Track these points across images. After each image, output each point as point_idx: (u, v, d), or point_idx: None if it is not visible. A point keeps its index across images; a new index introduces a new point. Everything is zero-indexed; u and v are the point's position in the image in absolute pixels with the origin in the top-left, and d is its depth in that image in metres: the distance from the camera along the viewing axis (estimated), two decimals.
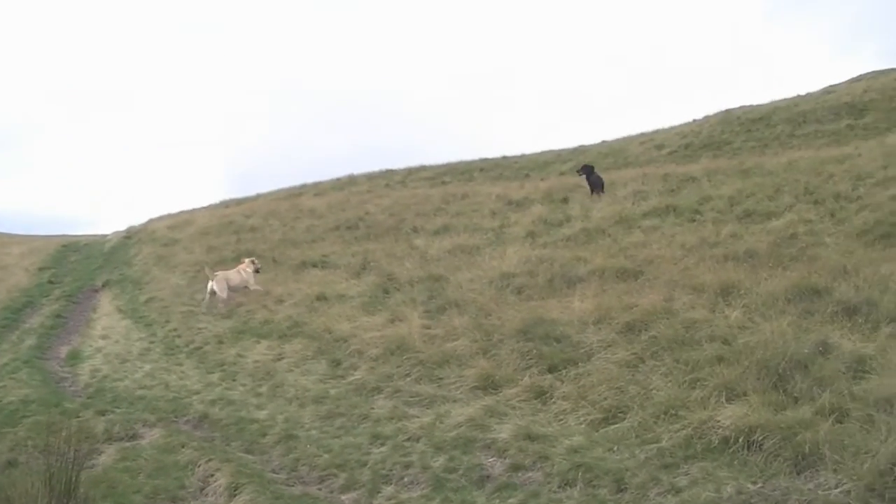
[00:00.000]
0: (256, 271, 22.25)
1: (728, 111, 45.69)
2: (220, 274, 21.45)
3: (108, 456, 11.33)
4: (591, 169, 27.11)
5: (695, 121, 46.71)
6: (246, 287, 21.50)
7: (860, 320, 11.23)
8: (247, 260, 22.58)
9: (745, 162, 26.63)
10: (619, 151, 42.93)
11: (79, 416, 12.93)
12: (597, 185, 26.04)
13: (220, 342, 17.38)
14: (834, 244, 15.80)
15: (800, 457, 8.07)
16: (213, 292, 21.10)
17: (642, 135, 47.27)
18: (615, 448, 9.19)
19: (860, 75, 49.79)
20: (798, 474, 7.93)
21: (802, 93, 46.80)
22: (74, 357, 17.98)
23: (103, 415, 13.13)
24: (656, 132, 46.70)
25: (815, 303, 12.16)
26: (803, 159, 24.71)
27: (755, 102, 46.33)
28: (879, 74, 47.09)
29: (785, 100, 45.32)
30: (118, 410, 13.38)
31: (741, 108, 45.70)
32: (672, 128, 46.66)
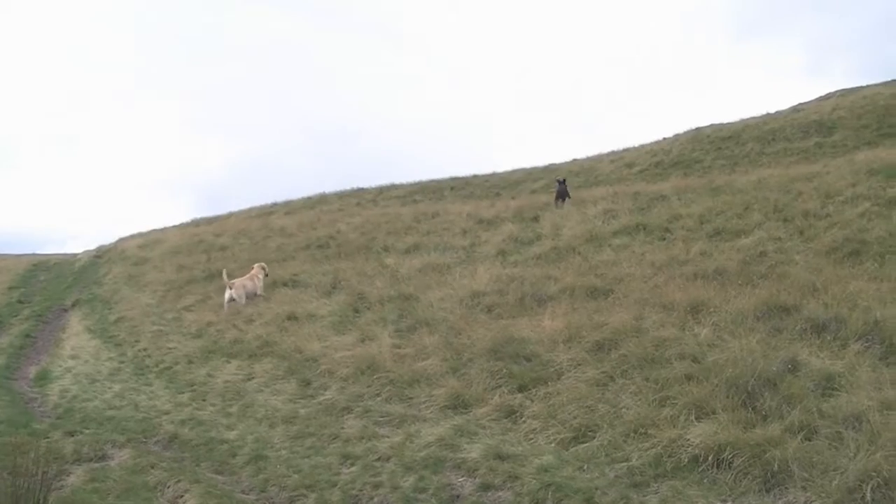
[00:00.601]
0: (266, 276, 22.61)
1: (698, 129, 45.83)
2: (238, 282, 21.71)
3: (76, 477, 11.25)
4: (563, 181, 28.63)
5: (665, 139, 46.80)
6: (256, 294, 21.72)
7: (829, 338, 11.31)
8: (257, 266, 22.79)
9: (714, 180, 26.67)
10: (590, 170, 42.98)
11: (47, 437, 12.84)
12: (561, 196, 27.47)
13: (190, 362, 17.32)
14: (803, 262, 15.86)
15: (769, 474, 8.11)
16: (231, 299, 21.33)
17: (613, 153, 47.35)
18: (585, 467, 9.20)
19: (829, 93, 50.05)
20: (767, 492, 7.98)
21: (772, 111, 47.02)
22: (43, 377, 17.89)
23: (72, 435, 13.04)
24: (626, 150, 46.79)
25: (783, 320, 12.23)
26: (773, 177, 24.77)
27: (725, 121, 46.55)
28: (848, 92, 47.36)
29: (755, 118, 45.48)
30: (87, 431, 13.29)
31: (711, 126, 45.85)
32: (642, 146, 46.75)
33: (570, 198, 27.70)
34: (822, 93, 51.67)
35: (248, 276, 22.05)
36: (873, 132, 35.93)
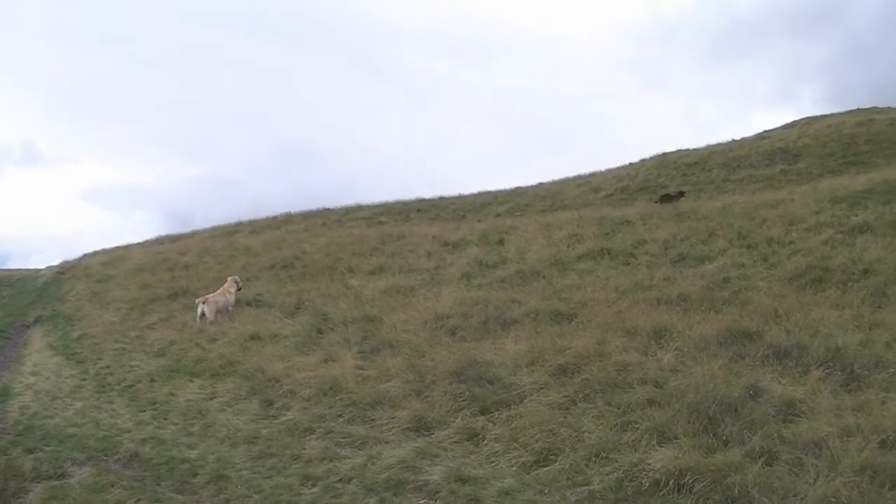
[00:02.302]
0: (239, 289, 22.52)
1: (664, 155, 46.01)
2: (211, 297, 21.61)
3: (35, 495, 11.11)
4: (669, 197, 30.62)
5: (631, 164, 46.95)
6: (228, 308, 21.63)
7: (790, 364, 11.41)
8: (230, 279, 22.66)
9: (679, 206, 26.81)
10: (556, 194, 43.03)
11: (7, 454, 12.68)
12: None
13: (153, 380, 17.15)
14: (766, 288, 15.95)
15: (729, 500, 8.15)
16: (203, 315, 21.21)
17: (579, 177, 47.44)
18: (546, 490, 9.20)
19: (794, 121, 50.41)
20: None
21: (738, 138, 47.29)
22: (4, 393, 17.68)
23: (32, 453, 12.87)
24: (593, 175, 46.89)
25: (746, 346, 12.30)
26: (737, 204, 24.92)
27: (691, 146, 46.79)
28: (813, 120, 47.71)
29: (720, 144, 45.72)
30: (47, 448, 13.15)
31: (677, 152, 46.06)
32: (608, 171, 46.88)
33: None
34: (789, 120, 52.08)
35: (220, 290, 21.98)
36: (838, 160, 36.23)
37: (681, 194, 30.49)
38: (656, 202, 30.35)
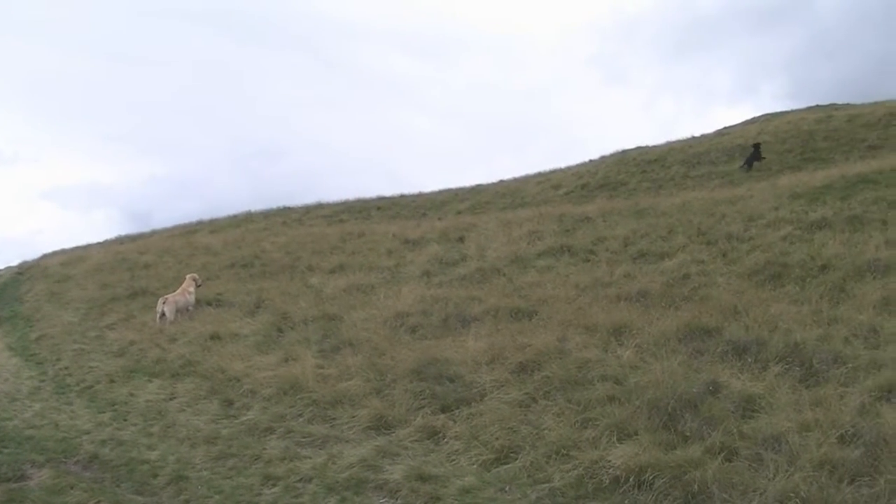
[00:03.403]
0: (198, 286, 22.44)
1: (624, 152, 46.18)
2: (170, 297, 21.46)
3: None
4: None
5: (591, 161, 47.07)
6: (188, 308, 21.52)
7: (749, 360, 11.45)
8: (188, 277, 22.50)
9: (639, 202, 26.87)
10: (516, 191, 43.06)
11: None
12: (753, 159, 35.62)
13: (112, 381, 17.02)
14: (725, 284, 16.02)
15: (689, 496, 8.16)
16: (163, 314, 21.08)
17: (539, 174, 47.48)
18: (507, 488, 9.20)
19: (754, 118, 50.70)
20: None
21: (697, 134, 47.55)
22: None
23: None
24: (553, 172, 46.94)
25: (705, 342, 12.36)
26: (697, 200, 25.01)
27: (651, 143, 46.98)
28: (773, 117, 48.01)
29: (680, 141, 45.96)
30: (5, 451, 12.99)
31: (637, 149, 46.24)
32: (569, 168, 46.94)
33: (760, 160, 35.47)
34: (750, 116, 52.37)
35: (179, 290, 21.85)
36: (797, 157, 36.46)
37: (756, 147, 36.14)
38: (742, 167, 35.72)
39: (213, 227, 44.54)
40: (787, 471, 8.07)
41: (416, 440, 11.02)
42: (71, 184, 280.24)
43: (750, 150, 36.67)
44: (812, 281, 15.35)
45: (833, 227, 18.57)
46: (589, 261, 20.25)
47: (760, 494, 7.83)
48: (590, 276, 18.24)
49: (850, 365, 10.84)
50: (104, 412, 15.00)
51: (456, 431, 10.89)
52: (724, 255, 18.28)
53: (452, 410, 11.60)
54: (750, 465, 8.47)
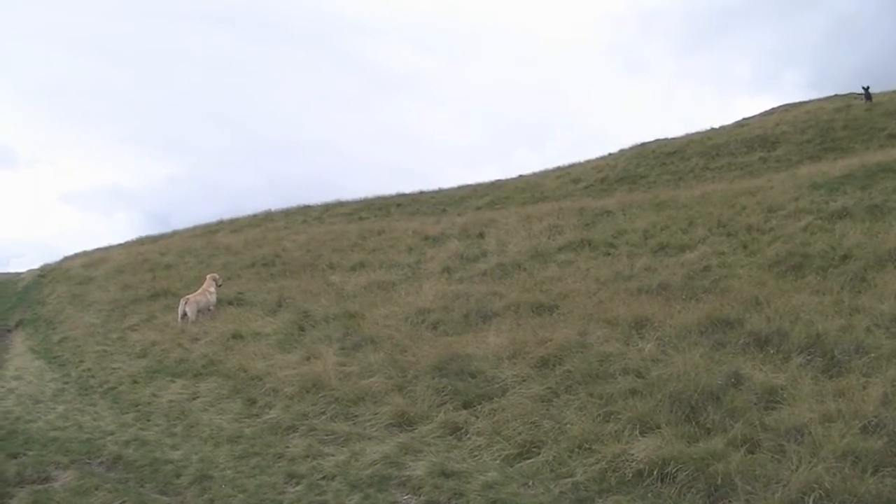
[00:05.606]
0: (219, 286, 22.53)
1: (643, 145, 46.08)
2: (192, 297, 21.57)
3: (19, 500, 11.03)
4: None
5: (610, 155, 47.00)
6: (210, 308, 21.59)
7: (771, 351, 11.42)
8: (208, 277, 22.60)
9: (659, 195, 26.82)
10: (535, 186, 43.01)
11: None
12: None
13: (135, 382, 17.08)
14: (746, 276, 15.98)
15: (713, 488, 8.14)
16: (185, 314, 21.21)
17: (558, 169, 47.43)
18: (530, 483, 9.19)
19: (772, 108, 50.56)
20: None
21: (716, 126, 47.39)
22: None
23: (15, 457, 12.77)
24: (572, 166, 46.86)
25: (727, 334, 12.32)
26: (716, 192, 24.95)
27: (670, 136, 46.85)
28: (791, 107, 47.85)
29: (699, 133, 45.83)
30: (30, 453, 13.05)
31: (656, 141, 46.13)
32: (588, 162, 46.87)
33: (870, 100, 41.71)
34: (768, 107, 52.22)
35: (200, 290, 21.92)
36: (816, 146, 36.38)
37: (866, 89, 42.59)
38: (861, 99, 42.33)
39: (234, 226, 44.57)
40: (809, 462, 8.05)
41: (438, 436, 11.03)
42: (91, 187, 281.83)
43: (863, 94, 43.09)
44: (833, 271, 15.30)
45: (854, 216, 18.52)
46: (609, 254, 20.24)
47: (784, 486, 7.81)
48: (610, 269, 18.23)
49: (873, 355, 10.79)
50: (127, 413, 15.05)
51: (478, 427, 10.89)
52: (744, 247, 18.25)
53: (474, 406, 11.61)
54: (773, 456, 8.45)
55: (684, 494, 8.23)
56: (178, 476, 11.43)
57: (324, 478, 10.42)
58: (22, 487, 11.55)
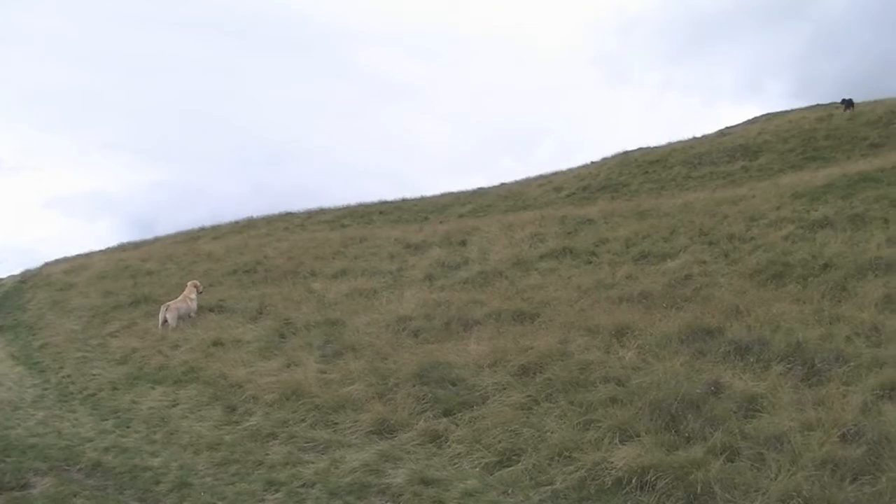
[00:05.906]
0: (200, 293, 22.41)
1: (626, 153, 46.33)
2: (172, 304, 21.48)
3: None
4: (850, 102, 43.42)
5: (593, 163, 47.21)
6: (190, 315, 21.49)
7: (752, 360, 11.47)
8: (189, 284, 22.44)
9: (641, 204, 26.93)
10: (518, 194, 43.13)
11: None
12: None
13: (115, 388, 17.01)
14: (727, 284, 16.04)
15: (692, 496, 8.16)
16: (165, 321, 21.11)
17: (541, 177, 47.62)
18: (509, 491, 9.17)
19: (755, 118, 50.94)
20: None
21: (699, 135, 47.64)
22: None
23: None
24: (555, 174, 47.07)
25: (707, 343, 12.36)
26: (699, 201, 25.05)
27: (652, 144, 47.07)
28: (773, 117, 48.22)
29: (681, 142, 46.09)
30: (9, 459, 12.97)
31: (639, 150, 46.39)
32: (570, 170, 47.08)
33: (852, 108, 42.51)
34: (751, 116, 52.52)
35: (181, 297, 21.85)
36: (798, 156, 36.59)
37: (846, 100, 43.59)
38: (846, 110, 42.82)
39: (216, 233, 44.57)
40: (789, 470, 8.07)
41: (418, 444, 11.00)
42: (74, 192, 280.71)
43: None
44: (814, 280, 15.37)
45: (835, 225, 18.61)
46: (591, 262, 20.29)
47: (763, 494, 7.83)
48: (592, 277, 18.26)
49: (853, 363, 10.85)
50: (107, 420, 14.99)
51: (458, 435, 10.87)
52: (726, 256, 18.31)
53: (455, 414, 11.58)
54: (752, 464, 8.47)
55: (664, 502, 8.23)
56: (158, 483, 11.38)
57: (303, 485, 10.38)
58: (0, 494, 11.51)
